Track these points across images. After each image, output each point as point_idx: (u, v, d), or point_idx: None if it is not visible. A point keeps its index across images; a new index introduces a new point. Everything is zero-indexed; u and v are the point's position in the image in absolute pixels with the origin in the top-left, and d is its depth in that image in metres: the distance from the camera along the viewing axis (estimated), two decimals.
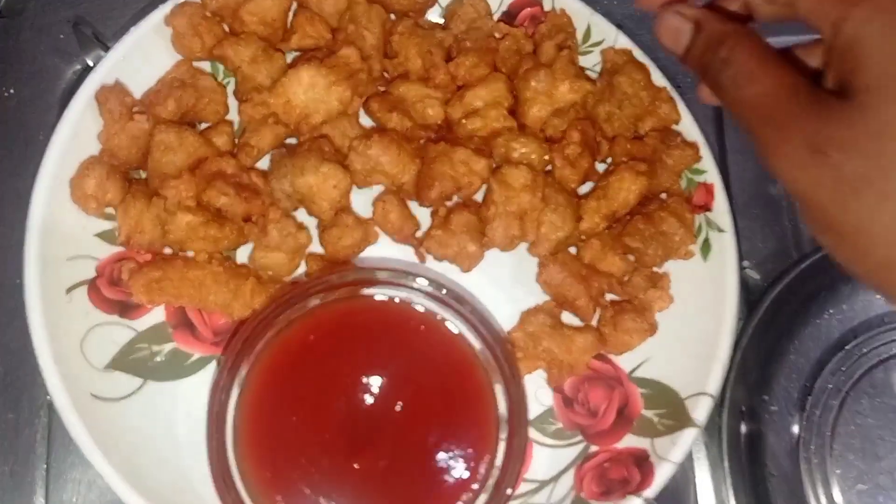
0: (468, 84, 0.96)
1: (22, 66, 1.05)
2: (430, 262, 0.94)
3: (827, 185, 0.57)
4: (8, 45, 1.06)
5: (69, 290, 0.87)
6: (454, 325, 0.85)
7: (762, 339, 1.01)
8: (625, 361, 0.95)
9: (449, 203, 0.95)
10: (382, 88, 0.97)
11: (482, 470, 0.82)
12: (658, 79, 0.98)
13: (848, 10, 0.59)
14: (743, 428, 1.01)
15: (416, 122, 0.95)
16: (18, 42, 1.06)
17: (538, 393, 0.94)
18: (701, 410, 0.90)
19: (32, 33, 1.06)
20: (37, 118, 1.02)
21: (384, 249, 0.95)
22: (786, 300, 1.04)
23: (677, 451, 0.89)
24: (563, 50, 0.96)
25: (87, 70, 0.98)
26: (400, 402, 0.83)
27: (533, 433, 0.92)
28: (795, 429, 0.99)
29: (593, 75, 1.00)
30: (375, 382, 0.83)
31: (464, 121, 0.94)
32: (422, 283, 0.85)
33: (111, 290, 0.89)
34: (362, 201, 0.95)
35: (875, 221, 0.55)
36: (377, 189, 0.95)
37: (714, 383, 0.91)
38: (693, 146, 0.96)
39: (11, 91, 1.04)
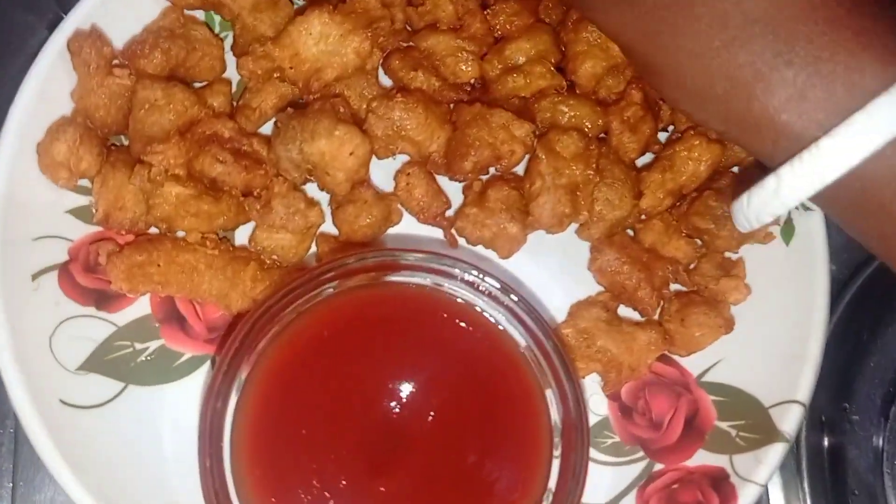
0: (508, 36, 0.82)
1: None
2: (463, 246, 0.81)
3: (634, 28, 0.65)
4: None
5: (36, 275, 0.75)
6: (496, 318, 0.72)
7: (842, 339, 0.91)
8: (692, 363, 0.83)
9: (484, 176, 0.82)
10: (405, 44, 0.84)
11: (532, 493, 0.70)
12: None
13: None
14: (825, 441, 0.91)
15: (447, 80, 0.81)
16: None
17: (591, 401, 0.82)
18: (790, 421, 0.79)
19: None
20: (7, 81, 0.89)
21: (409, 230, 0.82)
22: (867, 294, 0.94)
23: (763, 470, 0.77)
24: None
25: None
26: (432, 412, 0.70)
27: None
28: (879, 441, 0.90)
29: None
30: (402, 388, 0.70)
31: (504, 77, 0.80)
32: (457, 267, 0.72)
33: (86, 277, 0.77)
34: (382, 174, 0.82)
35: (679, 54, 0.63)
36: (400, 161, 0.82)
37: (805, 389, 0.79)
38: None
39: None
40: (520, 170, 0.82)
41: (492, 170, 0.81)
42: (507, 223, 0.79)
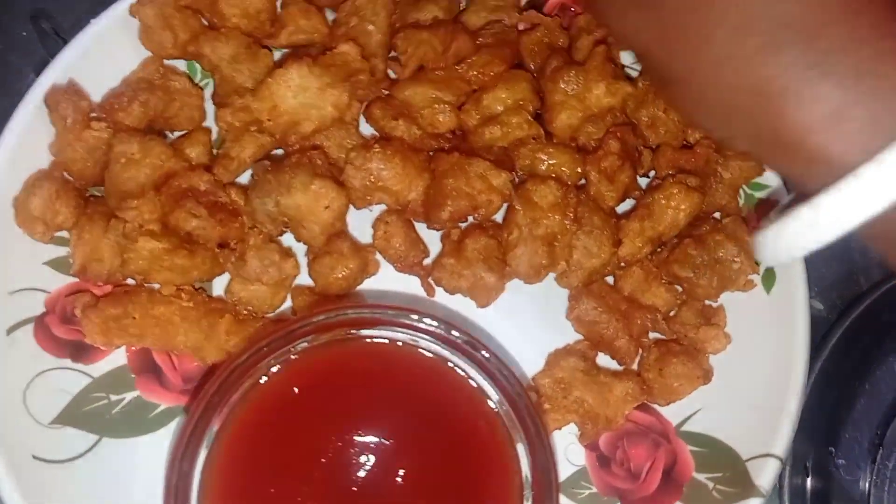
0: (484, 86, 0.81)
1: None
2: (441, 296, 0.80)
3: (652, 31, 0.58)
4: None
5: (11, 329, 0.75)
6: (468, 373, 0.71)
7: (828, 381, 0.89)
8: (671, 412, 0.82)
9: (463, 224, 0.81)
10: (387, 92, 0.83)
11: None
12: None
13: None
14: (808, 485, 0.88)
15: (426, 130, 0.81)
16: None
17: (568, 451, 0.81)
18: (766, 476, 0.77)
19: None
20: None
21: (386, 281, 0.81)
22: (855, 335, 0.92)
23: None
24: (599, 45, 0.81)
25: None
26: (404, 470, 0.69)
27: (563, 499, 0.79)
28: (865, 485, 0.86)
29: (634, 73, 0.85)
30: (373, 445, 0.69)
31: (481, 129, 0.79)
32: (429, 323, 0.71)
33: (62, 329, 0.77)
34: (360, 223, 0.81)
35: (700, 62, 0.56)
36: (379, 209, 0.81)
37: (782, 443, 0.78)
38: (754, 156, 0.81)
39: None
40: (499, 216, 0.81)
41: (469, 218, 0.81)
42: (485, 273, 0.78)
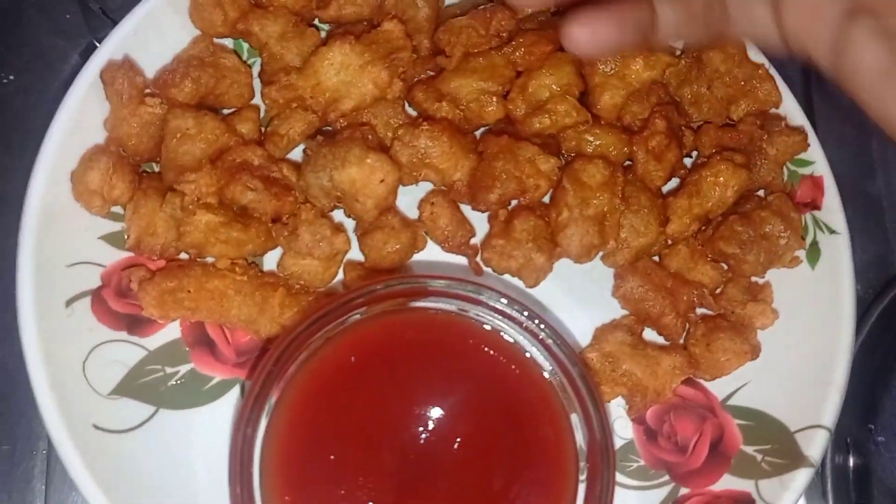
0: (530, 68, 0.82)
1: (23, 49, 0.95)
2: (489, 272, 0.81)
3: None
4: (7, 27, 0.95)
5: (69, 301, 0.75)
6: (522, 344, 0.72)
7: (867, 360, 0.90)
8: (717, 387, 0.82)
9: (509, 206, 0.81)
10: (432, 72, 0.84)
11: None
12: (754, 54, 0.84)
13: None
14: (850, 462, 0.90)
15: (472, 122, 0.81)
16: (20, 23, 0.96)
17: (616, 424, 0.82)
18: (816, 447, 0.78)
19: (34, 12, 0.96)
20: (38, 107, 0.91)
21: (435, 256, 0.82)
22: (893, 315, 0.94)
23: (789, 495, 0.77)
24: None
25: (94, 51, 0.86)
26: (459, 438, 0.70)
27: None
28: None
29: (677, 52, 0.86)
30: (429, 413, 0.70)
31: (529, 119, 0.80)
32: (483, 294, 0.72)
33: (119, 303, 0.77)
34: (406, 201, 0.82)
35: None
36: (423, 187, 0.82)
37: (830, 413, 0.78)
38: (799, 132, 0.82)
39: (11, 77, 0.94)
40: (546, 198, 0.82)
41: (514, 201, 0.81)
42: (534, 254, 0.78)
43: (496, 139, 0.79)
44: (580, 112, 0.79)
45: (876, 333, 0.93)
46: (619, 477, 0.79)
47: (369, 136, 0.78)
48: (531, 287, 0.80)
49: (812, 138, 0.83)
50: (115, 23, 0.85)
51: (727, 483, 0.79)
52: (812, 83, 1.02)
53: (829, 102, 1.01)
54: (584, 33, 0.59)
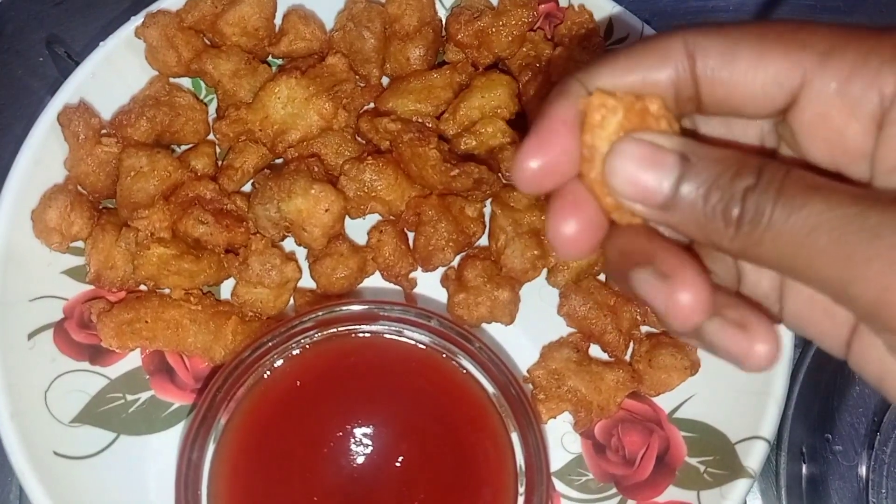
0: (467, 88, 0.85)
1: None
2: (436, 292, 0.84)
3: None
4: None
5: (32, 334, 0.79)
6: (462, 366, 0.75)
7: (822, 367, 0.90)
8: (664, 401, 0.84)
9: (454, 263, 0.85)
10: (372, 105, 0.88)
11: None
12: None
13: None
14: (804, 471, 0.90)
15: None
16: None
17: (564, 439, 0.83)
18: (754, 457, 0.79)
19: (10, 56, 1.00)
20: (12, 146, 0.94)
21: (383, 281, 0.85)
22: None
23: None
24: (583, 49, 0.85)
25: None
26: (401, 457, 0.73)
27: (559, 486, 0.81)
28: (863, 470, 0.89)
29: None
30: (372, 434, 0.73)
31: (457, 140, 0.83)
32: (424, 316, 0.75)
33: (81, 334, 0.81)
34: (357, 232, 0.85)
35: None
36: (375, 219, 0.86)
37: (769, 425, 0.79)
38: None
39: None
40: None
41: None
42: (495, 292, 0.80)
43: (426, 201, 0.82)
44: (506, 133, 0.82)
45: None
46: (567, 490, 0.81)
47: (315, 168, 0.81)
48: (510, 323, 0.82)
49: None
50: (78, 65, 0.89)
51: (671, 494, 0.80)
52: None
53: None
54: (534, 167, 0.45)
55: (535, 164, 0.44)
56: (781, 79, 0.42)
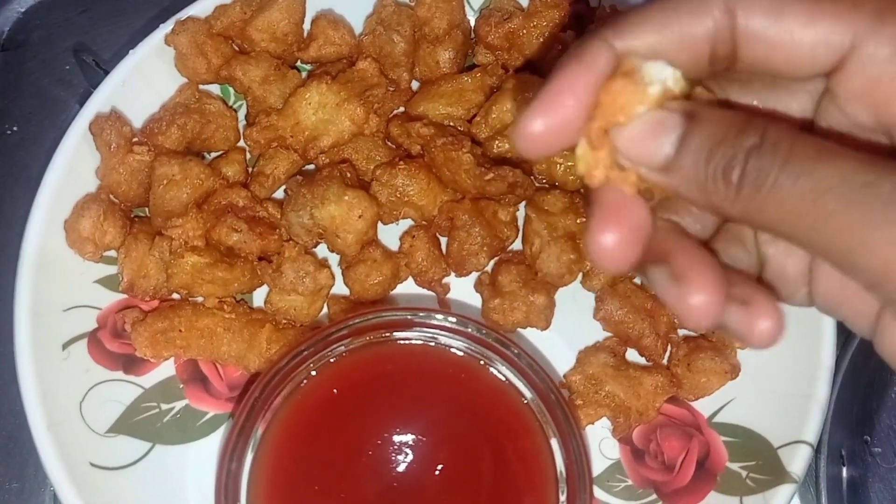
0: (498, 91, 0.84)
1: (26, 100, 0.99)
2: (472, 298, 0.83)
3: None
4: (11, 80, 0.99)
5: (66, 344, 0.79)
6: (500, 372, 0.74)
7: (861, 368, 0.89)
8: (704, 405, 0.83)
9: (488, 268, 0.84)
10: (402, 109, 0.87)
11: None
12: None
13: None
14: (844, 474, 0.89)
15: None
16: (22, 75, 1.00)
17: (602, 445, 0.82)
18: (798, 462, 0.77)
19: (36, 65, 1.00)
20: (42, 156, 0.94)
21: (418, 288, 0.84)
22: None
23: None
24: None
25: None
26: (440, 465, 0.72)
27: (598, 493, 0.80)
28: None
29: None
30: (411, 442, 0.72)
31: (490, 143, 0.82)
32: (461, 322, 0.74)
33: (115, 343, 0.80)
34: (389, 237, 0.85)
35: None
36: (406, 224, 0.85)
37: (812, 429, 0.78)
38: None
39: (15, 128, 0.98)
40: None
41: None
42: (531, 297, 0.79)
43: (459, 206, 0.81)
44: None
45: (868, 343, 0.93)
46: (606, 497, 0.80)
47: (347, 174, 0.80)
48: (546, 328, 0.81)
49: None
50: (107, 73, 0.89)
51: (713, 500, 0.79)
52: None
53: None
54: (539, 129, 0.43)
55: (539, 125, 0.42)
56: (831, 39, 0.41)
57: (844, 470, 0.89)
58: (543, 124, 0.42)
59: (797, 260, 0.47)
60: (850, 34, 0.41)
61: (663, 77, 0.42)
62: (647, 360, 0.83)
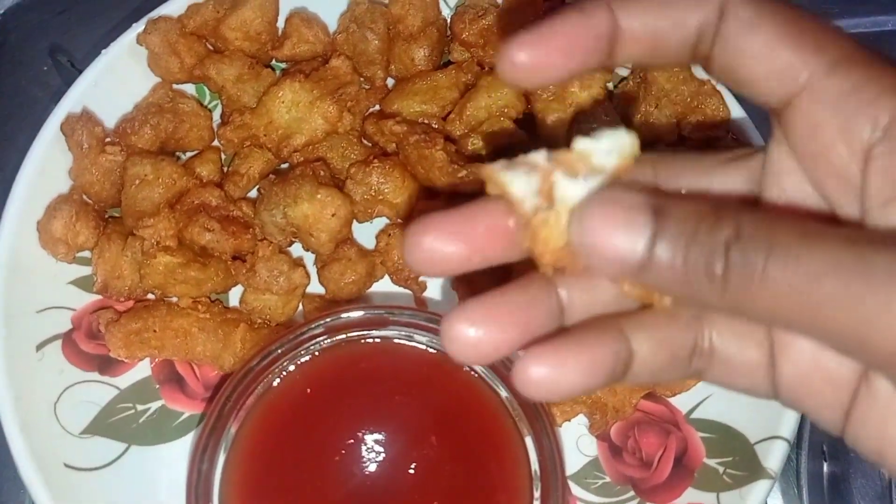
0: (473, 88, 0.84)
1: (3, 101, 0.98)
2: (446, 296, 0.82)
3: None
4: None
5: (40, 346, 0.78)
6: (474, 370, 0.74)
7: None
8: (681, 401, 0.83)
9: None
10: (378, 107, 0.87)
11: None
12: (700, 70, 0.84)
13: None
14: (825, 469, 0.89)
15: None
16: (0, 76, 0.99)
17: (580, 442, 0.82)
18: (775, 457, 0.77)
19: (13, 66, 0.99)
20: (18, 157, 0.93)
21: (392, 286, 0.84)
22: None
23: None
24: None
25: None
26: (414, 463, 0.71)
27: (575, 490, 0.80)
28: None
29: (625, 72, 0.87)
30: (384, 440, 0.72)
31: (464, 140, 0.82)
32: (436, 321, 0.73)
33: (89, 344, 0.80)
34: (364, 237, 0.84)
35: None
36: (384, 222, 0.84)
37: (788, 425, 0.78)
38: (744, 145, 0.82)
39: None
40: None
41: None
42: None
43: (433, 204, 0.81)
44: (513, 134, 0.81)
45: None
46: (584, 494, 0.80)
47: (320, 172, 0.80)
48: None
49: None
50: (82, 73, 0.89)
51: (690, 497, 0.79)
52: None
53: None
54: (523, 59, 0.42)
55: (524, 57, 0.41)
56: (787, 73, 0.41)
57: (826, 465, 0.89)
58: (528, 57, 0.41)
59: (758, 346, 0.45)
60: (804, 74, 0.40)
61: (616, 148, 0.40)
62: None
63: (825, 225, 0.38)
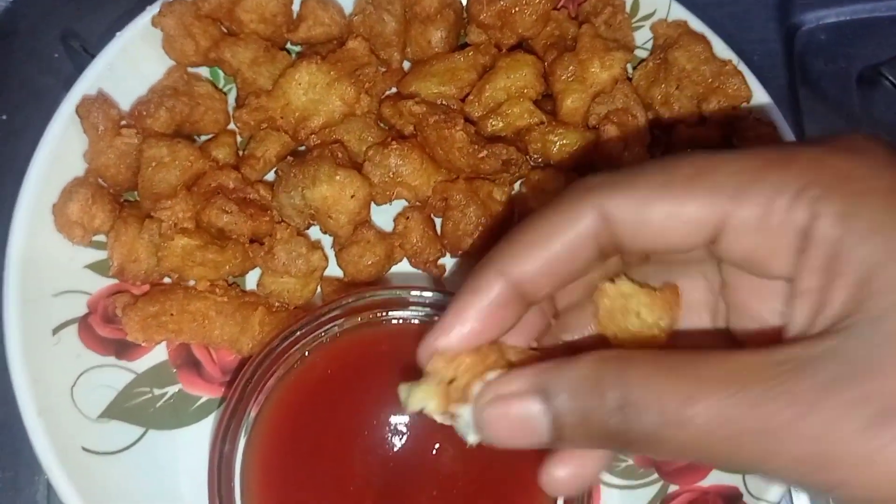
0: (492, 69, 0.83)
1: (15, 90, 0.98)
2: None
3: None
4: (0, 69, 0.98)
5: (56, 329, 0.77)
6: None
7: None
8: None
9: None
10: (395, 89, 0.86)
11: None
12: (721, 50, 0.84)
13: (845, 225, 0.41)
14: None
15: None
16: (10, 65, 0.98)
17: None
18: None
19: (24, 54, 0.99)
20: (31, 145, 0.93)
21: (412, 268, 0.83)
22: None
23: (775, 489, 0.75)
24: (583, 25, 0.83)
25: None
26: (437, 444, 0.70)
27: None
28: None
29: (644, 53, 0.87)
30: (406, 422, 0.71)
31: (483, 121, 0.81)
32: None
33: (106, 328, 0.79)
34: (383, 220, 0.84)
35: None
36: (402, 205, 0.84)
37: None
38: (767, 125, 0.82)
39: (4, 117, 0.97)
40: None
41: None
42: None
43: (453, 185, 0.80)
44: (533, 114, 0.80)
45: None
46: (608, 477, 0.79)
47: (338, 154, 0.79)
48: None
49: (785, 130, 0.83)
50: (94, 58, 0.88)
51: (715, 478, 0.78)
52: (797, 75, 1.02)
53: (814, 95, 1.01)
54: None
55: (441, 343, 0.51)
56: (699, 222, 0.45)
57: None
58: (443, 343, 0.51)
59: None
60: (716, 212, 0.44)
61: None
62: None
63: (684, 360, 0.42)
